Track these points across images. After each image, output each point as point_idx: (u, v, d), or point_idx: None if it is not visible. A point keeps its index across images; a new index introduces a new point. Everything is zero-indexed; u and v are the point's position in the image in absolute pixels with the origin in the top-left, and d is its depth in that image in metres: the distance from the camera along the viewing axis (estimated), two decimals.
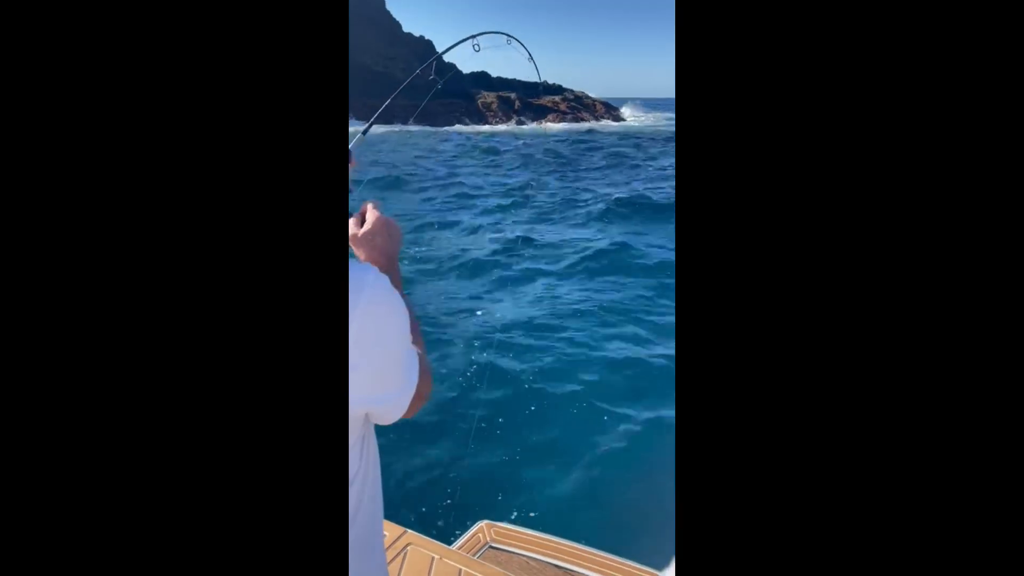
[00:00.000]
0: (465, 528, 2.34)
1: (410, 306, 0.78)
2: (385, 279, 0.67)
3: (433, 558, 1.90)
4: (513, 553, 2.18)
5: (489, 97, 73.43)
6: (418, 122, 60.16)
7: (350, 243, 0.92)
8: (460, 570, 1.86)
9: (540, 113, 70.21)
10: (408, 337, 0.72)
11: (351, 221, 0.94)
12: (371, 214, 0.93)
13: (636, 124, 63.76)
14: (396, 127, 54.90)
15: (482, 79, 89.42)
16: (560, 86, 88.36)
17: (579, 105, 74.86)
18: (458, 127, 57.71)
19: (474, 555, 2.14)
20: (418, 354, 0.77)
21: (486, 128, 58.42)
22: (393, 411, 0.71)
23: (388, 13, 79.89)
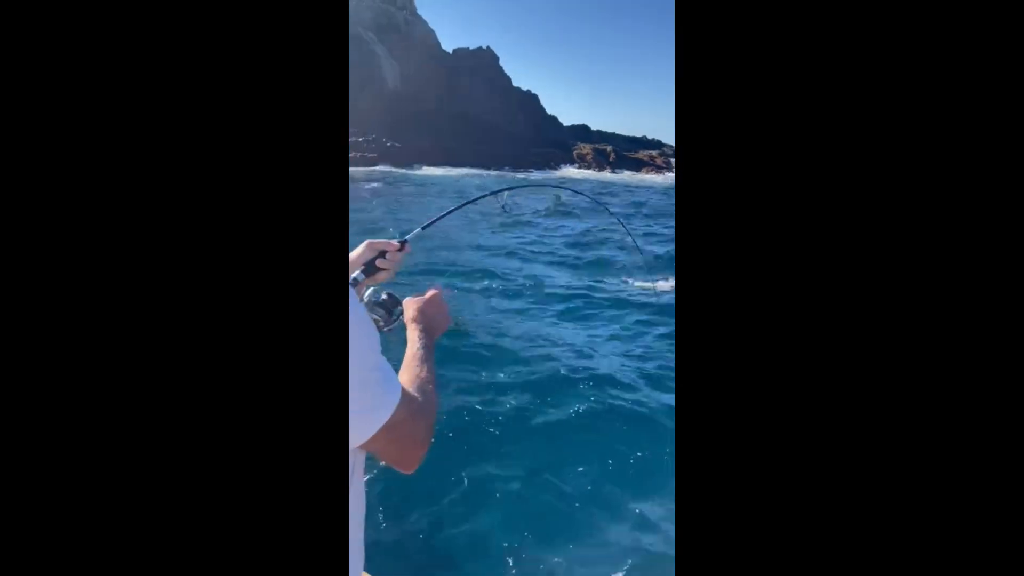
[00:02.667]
0: None
1: (426, 362, 0.87)
2: (353, 294, 0.65)
3: None
4: None
5: (585, 148, 76.36)
6: (516, 168, 64.04)
7: (407, 305, 1.01)
8: None
9: (635, 166, 71.76)
10: (373, 360, 0.69)
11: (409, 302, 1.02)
12: (435, 291, 1.03)
13: None
14: (491, 172, 59.03)
15: (580, 131, 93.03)
16: (660, 141, 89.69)
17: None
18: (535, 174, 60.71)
19: None
20: (417, 398, 0.78)
21: (570, 173, 61.04)
22: (353, 433, 0.66)
23: (500, 68, 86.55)
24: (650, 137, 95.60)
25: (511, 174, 55.13)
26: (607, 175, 63.22)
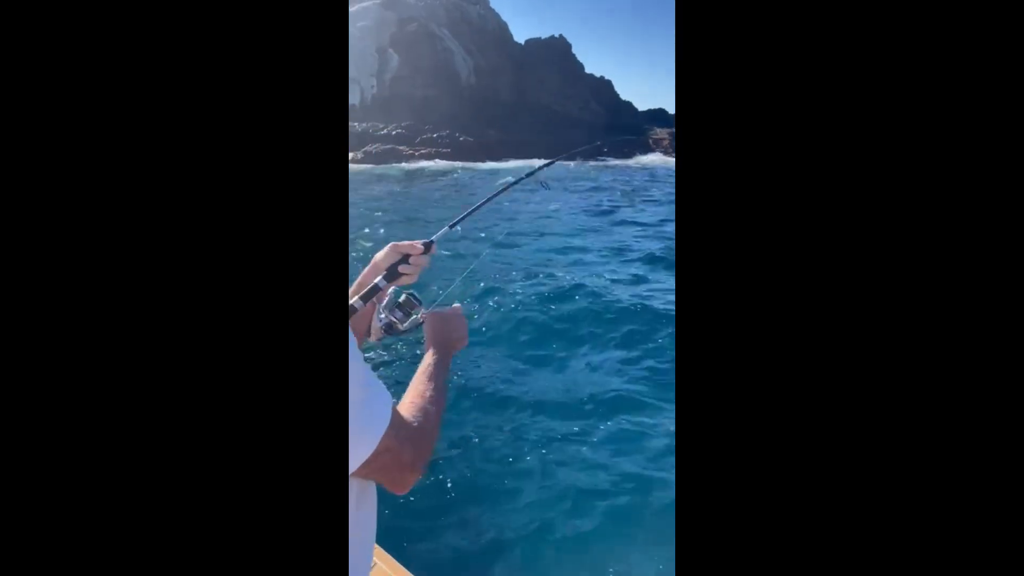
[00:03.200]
0: None
1: (435, 379, 0.86)
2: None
3: None
4: None
5: (661, 133, 73.84)
6: (583, 158, 63.09)
7: (428, 319, 1.00)
8: None
9: None
10: (358, 394, 0.65)
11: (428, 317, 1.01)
12: (456, 306, 1.03)
13: None
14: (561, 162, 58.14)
15: (658, 115, 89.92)
16: None
17: None
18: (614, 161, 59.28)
19: None
20: (412, 424, 0.76)
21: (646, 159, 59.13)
22: None
23: (573, 56, 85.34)
24: None
25: (584, 163, 54.38)
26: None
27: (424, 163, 53.17)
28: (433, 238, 1.10)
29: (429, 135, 62.91)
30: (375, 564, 1.87)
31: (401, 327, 1.02)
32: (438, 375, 0.89)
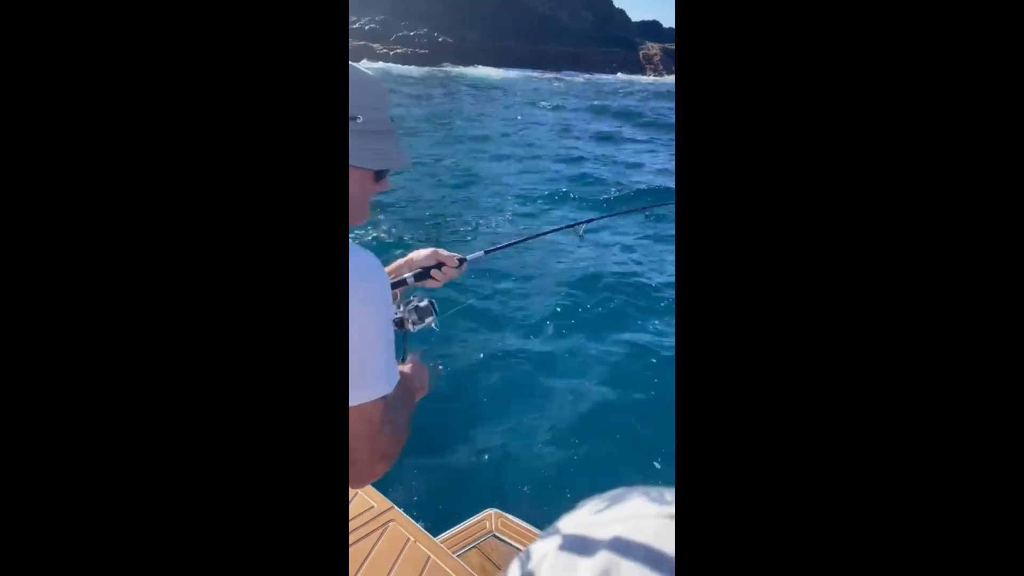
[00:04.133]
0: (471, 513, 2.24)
1: (405, 408, 0.87)
2: (379, 267, 0.73)
3: (408, 539, 1.87)
4: (516, 548, 2.06)
5: (653, 48, 69.97)
6: (570, 68, 59.69)
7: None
8: (429, 557, 1.84)
9: None
10: (384, 346, 0.73)
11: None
12: (414, 359, 1.04)
13: None
14: (548, 74, 55.08)
15: (651, 28, 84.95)
16: None
17: None
18: (614, 75, 56.28)
19: (473, 542, 2.08)
20: (397, 419, 0.80)
21: (640, 78, 56.26)
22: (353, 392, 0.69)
23: None
24: None
25: (570, 78, 51.49)
26: (671, 79, 58.05)
27: (397, 66, 49.42)
28: (468, 257, 1.19)
29: (405, 33, 58.20)
30: (389, 525, 1.94)
31: (411, 328, 1.10)
32: (406, 405, 0.89)
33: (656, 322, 5.23)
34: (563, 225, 1.57)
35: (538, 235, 1.53)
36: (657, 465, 3.40)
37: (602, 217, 1.61)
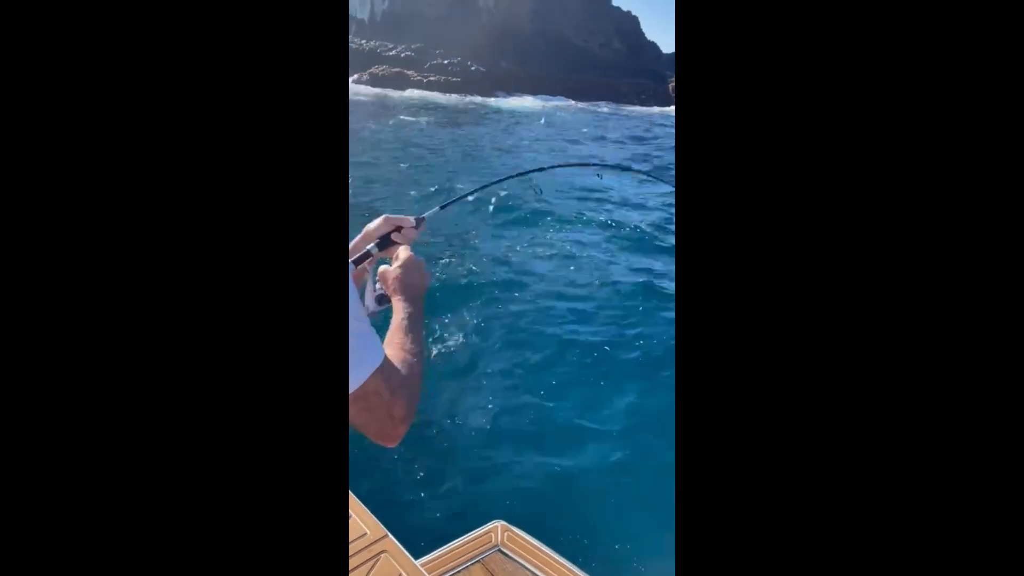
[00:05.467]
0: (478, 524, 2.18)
1: (411, 332, 0.89)
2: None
3: (401, 574, 1.79)
4: (520, 565, 1.99)
5: None
6: (600, 99, 60.36)
7: (380, 278, 1.03)
8: None
9: None
10: (353, 325, 0.69)
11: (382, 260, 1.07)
12: (404, 253, 1.04)
13: None
14: (579, 103, 55.89)
15: None
16: None
17: None
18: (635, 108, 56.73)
19: (476, 557, 2.02)
20: (399, 371, 0.79)
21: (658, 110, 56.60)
22: None
23: None
24: None
25: (597, 108, 52.04)
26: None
27: (431, 93, 50.68)
28: (425, 215, 1.15)
29: (439, 61, 59.77)
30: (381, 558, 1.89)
31: (373, 312, 1.08)
32: (414, 328, 0.91)
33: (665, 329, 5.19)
34: (515, 173, 1.51)
35: (490, 184, 1.48)
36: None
37: (554, 167, 1.57)
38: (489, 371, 4.44)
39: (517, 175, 1.51)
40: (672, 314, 5.34)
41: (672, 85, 68.90)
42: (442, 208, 1.26)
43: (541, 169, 1.62)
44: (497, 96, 54.08)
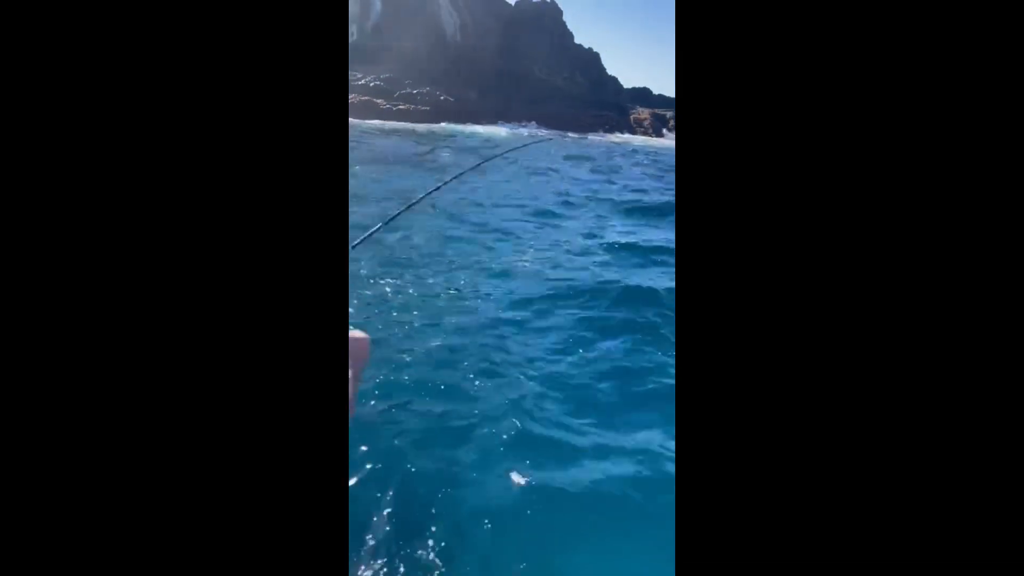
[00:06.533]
0: None
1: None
2: None
3: None
4: None
5: (643, 113, 73.69)
6: (572, 130, 62.58)
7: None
8: None
9: None
10: None
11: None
12: (359, 339, 1.06)
13: None
14: (543, 131, 57.85)
15: (642, 95, 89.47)
16: None
17: None
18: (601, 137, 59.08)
19: None
20: None
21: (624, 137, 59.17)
22: None
23: (564, 24, 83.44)
24: None
25: (565, 135, 53.91)
26: (663, 142, 61.08)
27: (404, 123, 51.65)
28: (356, 243, 1.15)
29: (408, 91, 60.98)
30: None
31: None
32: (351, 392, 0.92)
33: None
34: (458, 173, 1.49)
35: (436, 189, 1.43)
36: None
37: (490, 159, 1.57)
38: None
39: (459, 175, 1.49)
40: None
41: (633, 116, 71.92)
42: (385, 224, 1.23)
43: (484, 161, 1.62)
44: (466, 124, 55.40)
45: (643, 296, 6.36)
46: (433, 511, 2.89)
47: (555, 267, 7.55)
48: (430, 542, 2.67)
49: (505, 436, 3.56)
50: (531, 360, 4.68)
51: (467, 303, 5.85)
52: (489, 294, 6.18)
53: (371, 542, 2.61)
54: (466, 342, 4.87)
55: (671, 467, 3.52)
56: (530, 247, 8.50)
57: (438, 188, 1.39)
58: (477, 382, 4.23)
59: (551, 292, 6.41)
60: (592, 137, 57.29)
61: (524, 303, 5.99)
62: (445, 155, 23.50)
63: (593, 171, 22.34)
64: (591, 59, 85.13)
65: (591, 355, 4.88)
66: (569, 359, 4.77)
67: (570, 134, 56.91)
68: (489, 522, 2.85)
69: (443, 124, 52.83)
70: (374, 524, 2.72)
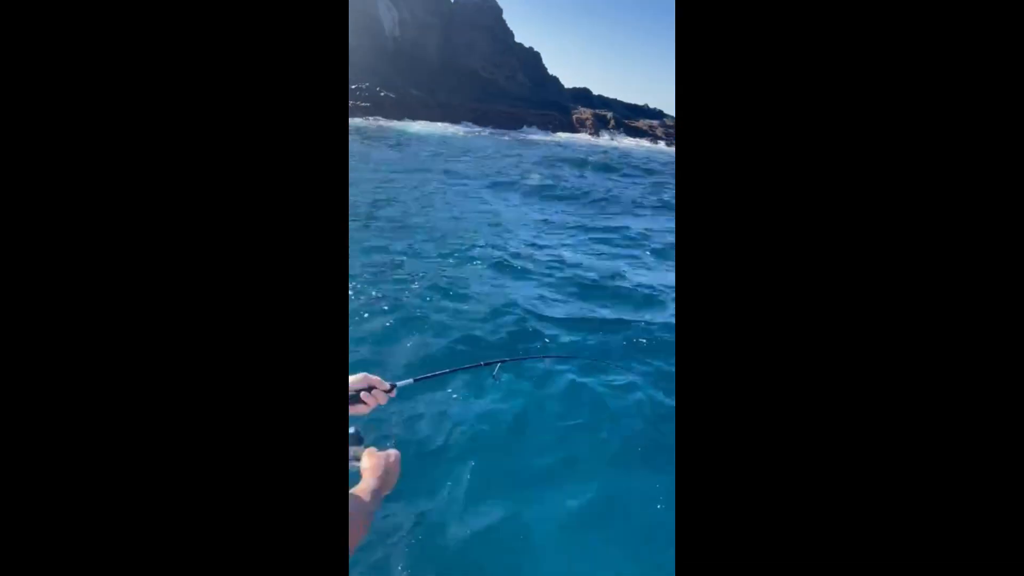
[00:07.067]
0: None
1: (370, 506, 0.91)
2: None
3: None
4: None
5: (585, 113, 74.60)
6: (516, 128, 62.48)
7: (368, 456, 1.06)
8: None
9: (634, 134, 70.44)
10: None
11: (366, 453, 1.08)
12: (395, 451, 1.08)
13: None
14: (489, 130, 57.53)
15: (582, 95, 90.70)
16: (661, 111, 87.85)
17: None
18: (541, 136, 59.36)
19: None
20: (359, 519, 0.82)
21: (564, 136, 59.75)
22: None
23: (504, 22, 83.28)
24: (652, 106, 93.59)
25: (507, 135, 53.70)
26: (604, 141, 62.01)
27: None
28: (399, 384, 1.20)
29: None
30: None
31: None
32: (373, 504, 0.95)
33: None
34: (480, 363, 1.61)
35: (459, 369, 1.56)
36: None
37: (516, 359, 1.63)
38: None
39: (482, 365, 1.58)
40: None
41: (576, 116, 72.69)
42: (416, 381, 1.29)
43: (503, 361, 1.65)
44: (404, 121, 54.17)
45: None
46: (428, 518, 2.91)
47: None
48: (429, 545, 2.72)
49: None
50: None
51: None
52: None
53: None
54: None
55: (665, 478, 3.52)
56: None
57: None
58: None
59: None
60: (535, 136, 57.35)
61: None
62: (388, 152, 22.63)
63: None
64: (532, 58, 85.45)
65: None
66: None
67: (512, 133, 56.77)
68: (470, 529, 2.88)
69: (380, 121, 51.36)
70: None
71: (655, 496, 3.18)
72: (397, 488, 1.09)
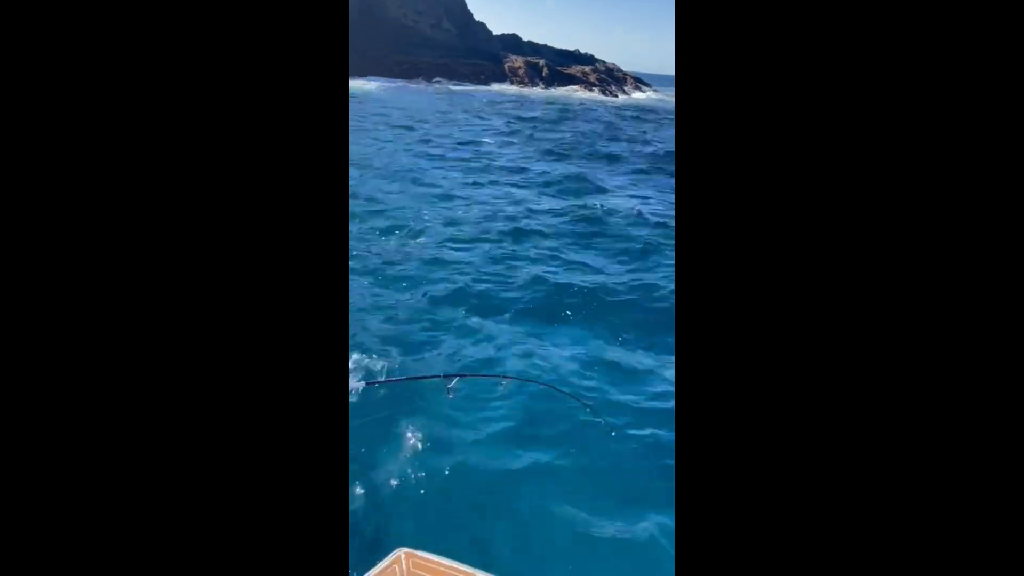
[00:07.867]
0: (381, 556, 2.03)
1: None
2: None
3: None
4: None
5: (517, 62, 72.04)
6: (448, 80, 59.49)
7: None
8: None
9: (568, 82, 68.88)
10: None
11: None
12: None
13: (659, 101, 62.24)
14: (422, 84, 54.38)
15: (511, 41, 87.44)
16: (592, 56, 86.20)
17: (609, 78, 73.19)
18: (494, 87, 56.94)
19: None
20: None
21: (514, 89, 57.64)
22: None
23: None
24: (582, 51, 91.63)
25: (438, 85, 50.94)
26: (539, 91, 60.24)
27: None
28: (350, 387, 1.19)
29: None
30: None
31: None
32: None
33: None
34: (436, 375, 1.77)
35: (410, 379, 1.88)
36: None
37: (471, 375, 1.99)
38: None
39: (434, 376, 1.88)
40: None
41: (508, 65, 70.10)
42: (368, 385, 1.70)
43: (462, 376, 1.91)
44: None
45: None
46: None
47: None
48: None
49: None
50: None
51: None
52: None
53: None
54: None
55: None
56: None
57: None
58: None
59: None
60: (470, 87, 54.84)
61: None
62: None
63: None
64: (456, 4, 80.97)
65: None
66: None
67: (449, 86, 53.98)
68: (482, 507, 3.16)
69: None
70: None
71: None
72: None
